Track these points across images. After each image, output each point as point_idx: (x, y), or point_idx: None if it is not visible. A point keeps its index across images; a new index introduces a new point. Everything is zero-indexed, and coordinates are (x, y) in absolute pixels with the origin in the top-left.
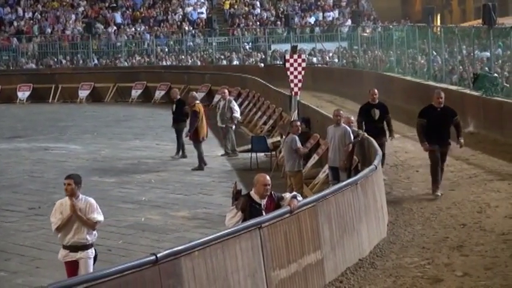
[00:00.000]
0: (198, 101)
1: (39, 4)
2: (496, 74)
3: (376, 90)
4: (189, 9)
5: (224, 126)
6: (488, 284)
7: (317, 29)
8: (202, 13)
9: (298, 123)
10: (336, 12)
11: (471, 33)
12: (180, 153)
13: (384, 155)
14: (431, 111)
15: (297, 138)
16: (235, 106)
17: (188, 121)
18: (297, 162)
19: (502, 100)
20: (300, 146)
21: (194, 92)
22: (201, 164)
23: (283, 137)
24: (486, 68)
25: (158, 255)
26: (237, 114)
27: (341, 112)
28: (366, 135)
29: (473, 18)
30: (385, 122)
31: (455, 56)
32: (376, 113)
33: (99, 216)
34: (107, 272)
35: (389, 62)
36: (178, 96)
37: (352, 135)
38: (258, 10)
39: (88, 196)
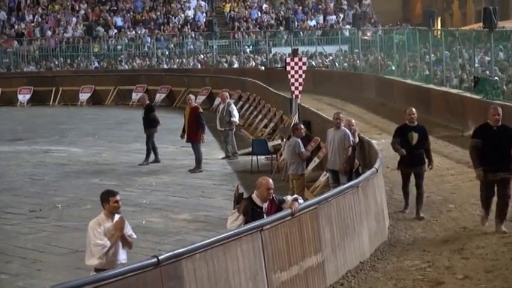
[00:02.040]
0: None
1: (39, 7)
2: (496, 78)
3: (414, 110)
4: (190, 12)
5: (223, 129)
6: (488, 286)
7: (318, 32)
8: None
9: (302, 126)
10: (341, 15)
11: (472, 37)
12: (153, 158)
13: (420, 193)
14: (487, 130)
15: (300, 141)
16: (234, 110)
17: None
18: (300, 165)
19: (503, 103)
20: (303, 150)
21: (191, 95)
22: (200, 165)
23: (284, 140)
24: (487, 72)
25: (160, 258)
26: (235, 118)
27: (341, 115)
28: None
29: (474, 21)
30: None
31: (455, 59)
32: (414, 137)
33: (133, 233)
34: (109, 274)
35: (390, 65)
36: (148, 102)
37: (351, 139)
38: (258, 13)
39: (88, 198)
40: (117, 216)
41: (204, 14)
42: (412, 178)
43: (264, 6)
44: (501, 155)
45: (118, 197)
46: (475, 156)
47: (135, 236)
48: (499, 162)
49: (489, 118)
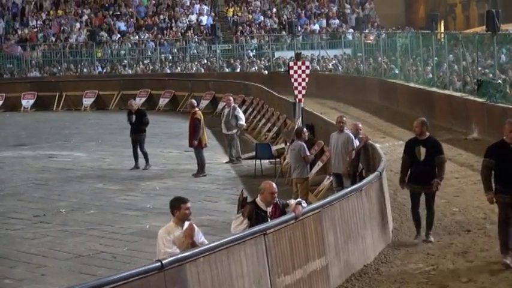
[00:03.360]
0: (197, 108)
1: (43, 12)
2: (499, 81)
3: (422, 120)
4: (193, 16)
5: (229, 133)
6: None
7: (321, 36)
8: (202, 22)
9: (305, 130)
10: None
11: (475, 40)
12: (143, 164)
13: (431, 214)
14: (502, 148)
15: (305, 145)
16: (240, 113)
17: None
18: (305, 169)
19: (506, 106)
20: (308, 154)
21: (193, 100)
22: (203, 169)
23: (288, 144)
24: (490, 75)
25: (163, 262)
26: (242, 121)
27: (344, 119)
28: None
29: (477, 24)
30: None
31: (459, 62)
32: (422, 152)
33: (205, 240)
34: (113, 278)
35: (393, 69)
36: (136, 107)
37: (355, 142)
38: (262, 17)
39: (92, 202)
40: (186, 224)
41: (211, 17)
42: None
43: (273, 10)
44: None
45: (189, 204)
46: (486, 178)
47: (206, 242)
48: None
49: (505, 134)
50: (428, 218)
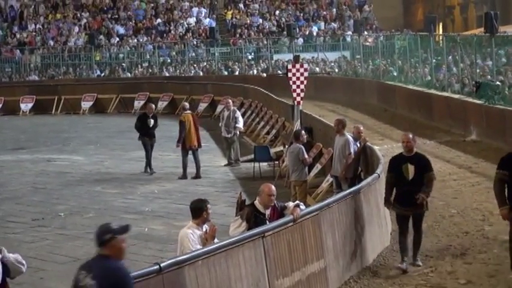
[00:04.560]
0: (187, 111)
1: (41, 16)
2: (498, 82)
3: (410, 136)
4: (192, 19)
5: (229, 136)
6: None
7: (320, 38)
8: (203, 24)
9: (303, 132)
10: (351, 22)
11: (473, 42)
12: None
13: (419, 236)
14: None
15: (303, 148)
16: (239, 116)
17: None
18: (303, 172)
19: (505, 108)
20: (306, 157)
21: (185, 103)
22: (184, 173)
23: (286, 146)
24: (488, 76)
25: (162, 265)
26: (240, 124)
27: (343, 121)
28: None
29: (475, 26)
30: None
31: (457, 64)
32: (410, 169)
33: None
34: None
35: (392, 71)
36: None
37: (352, 146)
38: (260, 20)
39: (91, 206)
40: (206, 225)
41: (213, 20)
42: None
43: (276, 12)
44: None
45: (209, 205)
46: (500, 192)
47: None
48: None
49: None
50: (415, 241)
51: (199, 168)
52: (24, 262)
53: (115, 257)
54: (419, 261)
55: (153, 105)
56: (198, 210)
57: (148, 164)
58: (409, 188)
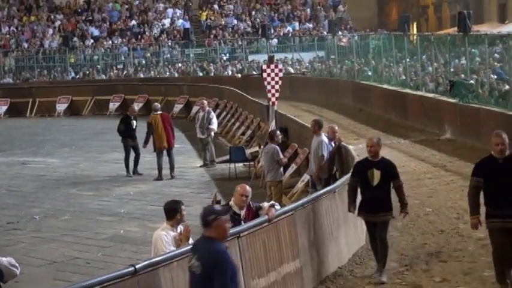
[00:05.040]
0: (156, 112)
1: (15, 18)
2: (472, 81)
3: (375, 140)
4: (167, 21)
5: (204, 137)
6: None
7: (295, 38)
8: (179, 25)
9: (278, 133)
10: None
11: (447, 41)
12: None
13: (383, 247)
14: (491, 164)
15: (278, 148)
16: (213, 118)
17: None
18: (279, 172)
19: (479, 107)
20: (281, 157)
21: (156, 103)
22: (159, 174)
23: (262, 147)
24: (462, 75)
25: (137, 267)
26: (214, 125)
27: (319, 121)
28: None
29: (449, 26)
30: (392, 190)
31: (431, 63)
32: (376, 175)
33: None
34: (86, 283)
35: (366, 71)
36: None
37: (326, 148)
38: (235, 21)
39: (66, 208)
40: (180, 226)
41: (188, 22)
42: None
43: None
44: (510, 195)
45: (183, 207)
46: (473, 200)
47: None
48: (507, 204)
49: (492, 148)
50: (381, 252)
51: (172, 168)
52: (17, 265)
53: (218, 238)
54: (384, 277)
55: (136, 107)
56: (172, 211)
57: (127, 165)
58: (374, 194)
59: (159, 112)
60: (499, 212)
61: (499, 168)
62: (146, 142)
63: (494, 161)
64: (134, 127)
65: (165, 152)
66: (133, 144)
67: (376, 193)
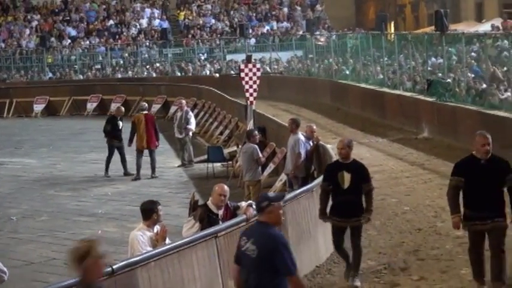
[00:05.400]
0: (142, 112)
1: None
2: (449, 80)
3: (345, 141)
4: (144, 21)
5: (182, 137)
6: (443, 287)
7: (272, 38)
8: (156, 25)
9: (256, 133)
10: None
11: (424, 40)
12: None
13: (356, 253)
14: (473, 165)
15: (257, 147)
16: (191, 117)
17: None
18: (257, 172)
19: (456, 105)
20: (260, 156)
21: (143, 103)
22: (137, 173)
23: (240, 146)
24: (439, 74)
25: (114, 267)
26: (191, 125)
27: (297, 120)
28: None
29: (426, 25)
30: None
31: (408, 62)
32: (346, 178)
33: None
34: (63, 284)
35: (344, 70)
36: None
37: (303, 146)
38: (213, 20)
39: (43, 209)
40: (157, 226)
41: (166, 21)
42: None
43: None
44: (492, 197)
45: (160, 207)
46: (453, 199)
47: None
48: (487, 206)
49: (476, 149)
50: (354, 258)
51: (153, 170)
52: (5, 270)
53: (272, 223)
54: (358, 281)
55: (123, 108)
56: (148, 211)
57: (107, 166)
58: (345, 197)
59: (145, 112)
60: (478, 214)
61: (481, 169)
62: (130, 141)
63: (476, 161)
64: (120, 128)
65: (148, 152)
66: (118, 145)
67: (347, 197)
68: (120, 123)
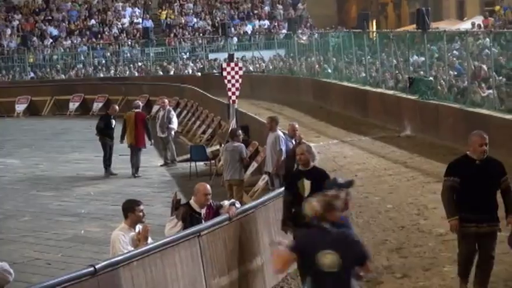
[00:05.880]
0: (134, 110)
1: None
2: (431, 78)
3: (304, 147)
4: (126, 20)
5: (164, 136)
6: (426, 284)
7: (254, 37)
8: (138, 23)
9: (240, 132)
10: (277, 20)
11: (406, 38)
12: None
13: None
14: (467, 165)
15: (244, 147)
16: (173, 117)
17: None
18: (241, 171)
19: (438, 103)
20: (245, 155)
21: (136, 101)
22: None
23: (223, 145)
24: (421, 72)
25: (97, 267)
26: (173, 125)
27: (275, 118)
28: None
29: (408, 23)
30: None
31: (391, 60)
32: (306, 186)
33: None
34: (45, 284)
35: (326, 68)
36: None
37: (283, 142)
38: (195, 19)
39: (26, 209)
40: (139, 226)
41: (149, 21)
42: None
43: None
44: (486, 199)
45: (142, 207)
46: (449, 201)
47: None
48: (484, 208)
49: (472, 149)
50: None
51: (136, 169)
52: (11, 271)
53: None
54: None
55: (116, 107)
56: (125, 211)
57: (108, 165)
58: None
59: (137, 110)
60: (473, 217)
61: (477, 170)
62: (122, 138)
63: (471, 162)
64: (113, 126)
65: (135, 150)
66: (110, 143)
67: None
68: (113, 122)
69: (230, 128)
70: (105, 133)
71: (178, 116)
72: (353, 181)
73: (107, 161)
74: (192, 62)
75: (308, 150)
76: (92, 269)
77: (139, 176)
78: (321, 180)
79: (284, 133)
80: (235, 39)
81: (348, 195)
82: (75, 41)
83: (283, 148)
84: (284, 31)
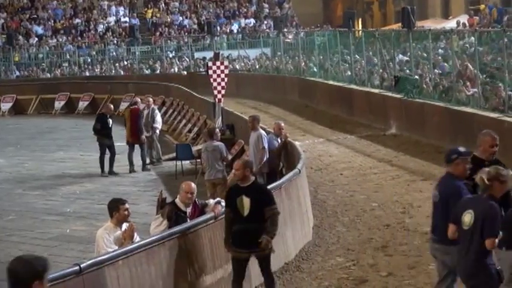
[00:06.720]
0: (131, 106)
1: None
2: (416, 76)
3: (241, 162)
4: (111, 18)
5: (149, 135)
6: (412, 282)
7: (240, 35)
8: (126, 22)
9: (217, 130)
10: (263, 19)
11: (391, 37)
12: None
13: (271, 281)
14: (476, 166)
15: (224, 146)
16: (157, 116)
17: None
18: (224, 170)
19: (423, 102)
20: (225, 155)
21: (137, 98)
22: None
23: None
24: (407, 71)
25: (82, 266)
26: (157, 124)
27: (257, 117)
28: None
29: (393, 22)
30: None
31: (376, 59)
32: (245, 203)
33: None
34: None
35: (312, 67)
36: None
37: (266, 140)
38: (181, 18)
39: (11, 208)
40: (125, 225)
41: (136, 19)
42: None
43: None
44: None
45: (127, 205)
46: None
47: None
48: None
49: (482, 148)
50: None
51: (130, 164)
52: None
53: (457, 175)
54: None
55: (111, 105)
56: (110, 210)
57: (102, 165)
58: (245, 225)
59: (132, 106)
60: None
61: None
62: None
63: (480, 162)
64: (110, 126)
65: (136, 146)
66: (109, 143)
67: (248, 225)
68: (110, 121)
69: (207, 128)
70: (102, 133)
71: (164, 114)
72: (471, 152)
73: (109, 161)
74: (178, 61)
75: (245, 165)
76: (77, 268)
77: (148, 170)
78: (261, 198)
79: (268, 132)
80: (222, 37)
81: (467, 163)
82: (60, 40)
83: (266, 146)
84: (269, 30)
